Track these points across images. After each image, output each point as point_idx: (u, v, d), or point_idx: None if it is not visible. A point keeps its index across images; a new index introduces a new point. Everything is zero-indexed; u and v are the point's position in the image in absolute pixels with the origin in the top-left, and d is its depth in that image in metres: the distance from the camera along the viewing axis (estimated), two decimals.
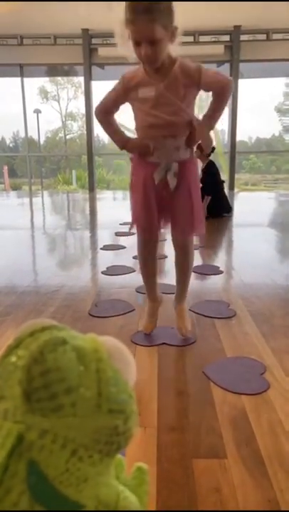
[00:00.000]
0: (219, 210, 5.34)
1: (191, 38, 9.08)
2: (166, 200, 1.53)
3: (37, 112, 15.52)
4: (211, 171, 5.34)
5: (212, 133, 10.60)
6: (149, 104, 1.42)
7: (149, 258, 1.67)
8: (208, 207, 5.20)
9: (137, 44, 1.30)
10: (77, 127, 20.58)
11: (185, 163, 1.50)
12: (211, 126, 1.52)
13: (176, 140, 1.45)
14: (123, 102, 1.48)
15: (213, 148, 5.53)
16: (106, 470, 0.44)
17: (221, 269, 2.82)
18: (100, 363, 0.43)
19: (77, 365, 0.41)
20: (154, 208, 1.53)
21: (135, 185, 1.56)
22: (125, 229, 4.21)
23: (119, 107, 1.51)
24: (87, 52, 9.48)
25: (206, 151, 1.38)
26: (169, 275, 2.76)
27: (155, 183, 1.49)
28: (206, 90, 1.46)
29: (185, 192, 1.52)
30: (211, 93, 1.47)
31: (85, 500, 0.41)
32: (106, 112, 1.51)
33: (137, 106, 1.47)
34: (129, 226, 1.62)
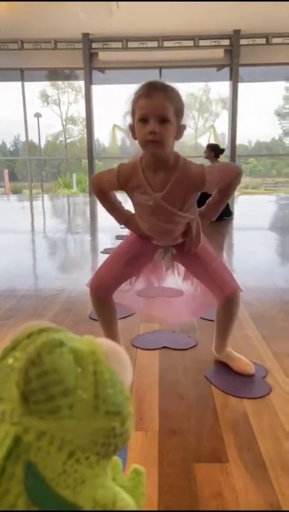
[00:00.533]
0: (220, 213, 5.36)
1: (191, 43, 9.12)
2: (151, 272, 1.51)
3: (37, 115, 15.55)
4: None
5: (213, 137, 10.61)
6: (145, 211, 1.32)
7: (103, 311, 1.51)
8: None
9: (144, 121, 1.16)
10: (77, 131, 20.64)
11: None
12: (212, 219, 1.42)
13: (174, 236, 1.39)
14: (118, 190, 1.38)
15: (223, 150, 5.57)
16: (103, 472, 0.44)
17: None
18: (97, 365, 0.43)
19: (74, 367, 0.41)
20: (128, 276, 1.47)
21: (127, 245, 1.48)
22: (126, 232, 4.16)
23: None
24: (88, 56, 9.52)
25: (192, 249, 1.22)
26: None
27: (149, 258, 1.46)
28: (212, 190, 1.36)
29: (199, 264, 1.42)
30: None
31: (82, 502, 0.41)
32: (101, 191, 1.39)
33: (133, 201, 1.37)
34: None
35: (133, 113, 1.21)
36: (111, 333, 1.52)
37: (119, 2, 6.92)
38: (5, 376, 0.41)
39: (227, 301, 1.40)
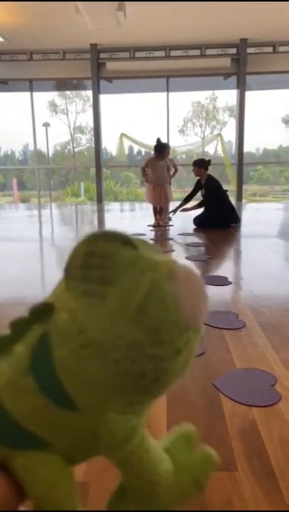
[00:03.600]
0: (226, 220, 5.37)
1: (198, 52, 9.20)
2: None
3: (46, 125, 15.71)
4: (209, 187, 5.42)
5: (220, 145, 10.61)
6: None
7: None
8: (216, 218, 5.28)
9: None
10: (85, 140, 20.81)
11: None
12: None
13: None
14: None
15: (209, 161, 5.56)
16: (121, 403, 0.35)
17: (229, 279, 2.81)
18: (157, 277, 0.34)
19: (128, 264, 0.34)
20: None
21: None
22: None
23: None
24: (95, 66, 9.62)
25: None
26: None
27: None
28: None
29: None
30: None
31: (82, 401, 0.34)
32: None
33: None
34: None
35: None
36: None
37: (126, 13, 7.01)
38: None
39: None
